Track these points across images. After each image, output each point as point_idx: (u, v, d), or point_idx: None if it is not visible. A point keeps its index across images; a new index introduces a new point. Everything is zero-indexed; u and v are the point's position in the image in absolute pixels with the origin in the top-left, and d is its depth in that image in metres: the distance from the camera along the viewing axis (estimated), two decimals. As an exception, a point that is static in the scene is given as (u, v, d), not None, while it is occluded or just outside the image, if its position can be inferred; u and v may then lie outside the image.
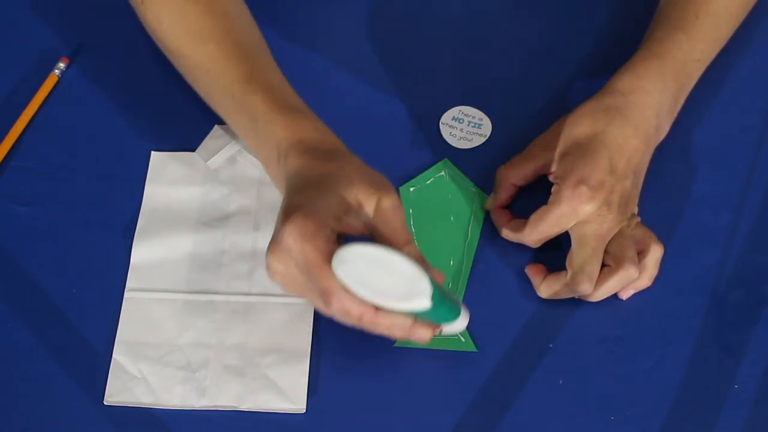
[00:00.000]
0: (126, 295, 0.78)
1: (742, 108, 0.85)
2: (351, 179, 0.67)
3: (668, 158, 0.83)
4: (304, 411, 0.73)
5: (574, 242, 0.75)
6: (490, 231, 0.80)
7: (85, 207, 0.83)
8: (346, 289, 0.63)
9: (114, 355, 0.76)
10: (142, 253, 0.80)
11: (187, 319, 0.77)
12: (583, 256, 0.74)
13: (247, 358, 0.75)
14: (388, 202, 0.67)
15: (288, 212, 0.66)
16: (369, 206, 0.67)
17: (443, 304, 0.65)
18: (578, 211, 0.74)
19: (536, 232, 0.76)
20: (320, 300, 0.66)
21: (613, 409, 0.73)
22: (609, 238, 0.75)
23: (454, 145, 0.84)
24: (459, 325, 0.71)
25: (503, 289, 0.78)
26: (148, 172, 0.83)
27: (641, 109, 0.76)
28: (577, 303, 0.77)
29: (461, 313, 0.70)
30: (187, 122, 0.86)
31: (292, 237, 0.64)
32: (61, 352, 0.76)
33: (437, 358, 0.75)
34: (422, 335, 0.67)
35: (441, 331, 0.70)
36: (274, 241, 0.66)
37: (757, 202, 0.81)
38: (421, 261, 0.67)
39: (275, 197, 0.81)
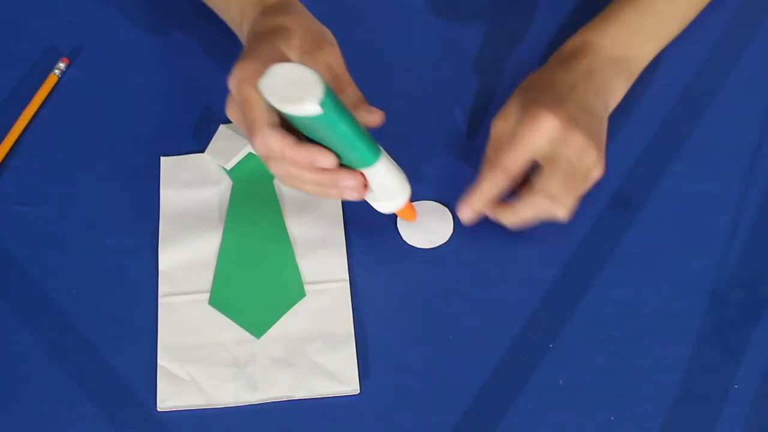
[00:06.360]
0: (160, 300, 0.78)
1: (742, 108, 0.85)
2: (294, 30, 0.73)
3: (668, 158, 0.83)
4: (359, 392, 0.74)
5: (545, 166, 0.74)
6: (490, 232, 0.80)
7: (85, 207, 0.83)
8: (269, 124, 0.69)
9: (159, 362, 0.75)
10: (169, 257, 0.80)
11: (224, 317, 0.77)
12: (551, 177, 0.74)
13: (292, 347, 0.76)
14: (329, 50, 0.74)
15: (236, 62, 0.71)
16: (310, 54, 0.73)
17: (341, 118, 0.68)
18: (541, 126, 0.72)
19: (508, 160, 0.74)
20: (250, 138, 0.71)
21: (613, 409, 0.73)
22: (574, 167, 0.74)
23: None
24: (387, 182, 0.73)
25: (503, 289, 0.78)
26: (161, 178, 0.83)
27: (579, 65, 0.79)
28: (577, 303, 0.77)
29: (381, 159, 0.71)
30: (189, 121, 0.86)
31: (233, 80, 0.71)
32: (60, 352, 0.76)
33: (439, 356, 0.75)
34: (348, 182, 0.71)
35: (367, 187, 0.72)
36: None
37: (757, 202, 0.81)
38: (361, 101, 0.74)
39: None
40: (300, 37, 0.73)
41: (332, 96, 0.67)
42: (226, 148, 0.84)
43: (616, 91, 0.81)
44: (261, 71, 0.68)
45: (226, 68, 0.88)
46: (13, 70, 0.90)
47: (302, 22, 0.75)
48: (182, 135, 0.86)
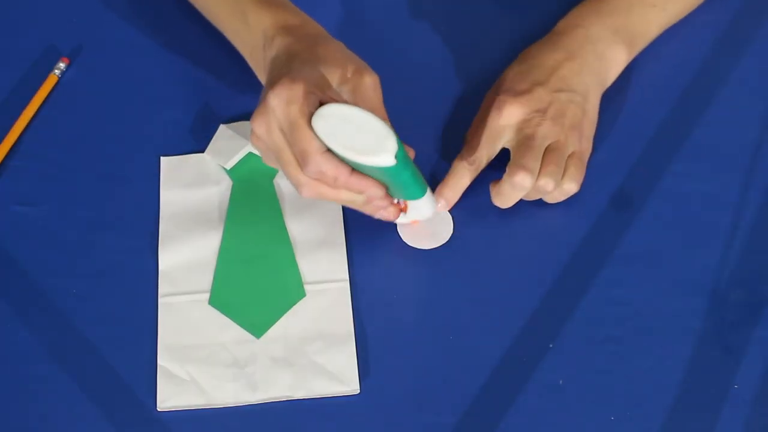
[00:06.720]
0: (160, 300, 0.78)
1: (742, 108, 0.85)
2: (335, 58, 0.72)
3: (668, 158, 0.83)
4: (359, 392, 0.74)
5: (513, 149, 0.78)
6: (490, 232, 0.80)
7: (85, 207, 0.83)
8: (322, 152, 0.68)
9: (159, 362, 0.75)
10: (169, 257, 0.80)
11: (224, 317, 0.77)
12: (519, 152, 0.77)
13: (293, 347, 0.76)
14: (369, 81, 0.72)
15: (275, 79, 0.69)
16: (351, 83, 0.71)
17: (408, 167, 0.69)
18: (503, 113, 0.77)
19: (476, 148, 0.78)
20: (296, 165, 0.69)
21: (613, 409, 0.73)
22: (543, 143, 0.77)
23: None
24: (425, 208, 0.75)
25: (503, 289, 0.78)
26: (161, 178, 0.83)
27: (572, 38, 0.82)
28: (577, 303, 0.77)
29: (427, 192, 0.74)
30: (189, 121, 0.86)
31: (277, 99, 0.68)
32: (60, 352, 0.76)
33: (439, 355, 0.75)
34: (390, 211, 0.74)
35: (406, 207, 0.75)
36: (260, 105, 0.69)
37: (757, 202, 0.81)
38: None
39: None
40: (341, 66, 0.72)
41: (402, 147, 0.67)
42: (226, 148, 0.84)
43: (616, 60, 0.83)
44: (309, 96, 0.67)
45: (226, 68, 0.88)
46: (13, 70, 0.90)
47: (340, 50, 0.74)
48: (182, 135, 0.86)
